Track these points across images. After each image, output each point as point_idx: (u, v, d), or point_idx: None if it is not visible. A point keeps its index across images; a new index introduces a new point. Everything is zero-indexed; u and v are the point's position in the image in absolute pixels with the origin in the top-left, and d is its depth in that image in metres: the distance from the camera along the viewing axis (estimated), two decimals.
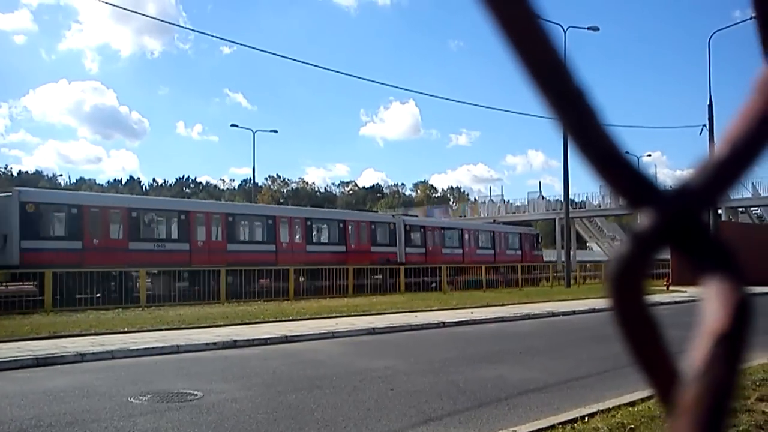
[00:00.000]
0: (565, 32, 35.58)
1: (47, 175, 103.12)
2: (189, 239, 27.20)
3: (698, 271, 0.39)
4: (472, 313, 19.05)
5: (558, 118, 0.38)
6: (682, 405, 0.37)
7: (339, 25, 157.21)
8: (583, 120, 0.38)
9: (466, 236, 40.31)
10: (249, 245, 29.47)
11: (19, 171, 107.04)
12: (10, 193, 23.41)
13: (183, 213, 27.58)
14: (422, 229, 37.97)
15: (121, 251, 24.92)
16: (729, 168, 0.39)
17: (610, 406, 6.89)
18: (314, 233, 32.29)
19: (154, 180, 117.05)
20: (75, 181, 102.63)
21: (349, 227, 33.48)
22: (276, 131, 70.94)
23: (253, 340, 12.92)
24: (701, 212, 0.40)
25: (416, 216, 45.80)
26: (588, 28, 38.76)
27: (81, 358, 10.72)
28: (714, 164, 0.40)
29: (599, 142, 0.39)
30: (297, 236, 31.23)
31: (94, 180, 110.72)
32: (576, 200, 47.61)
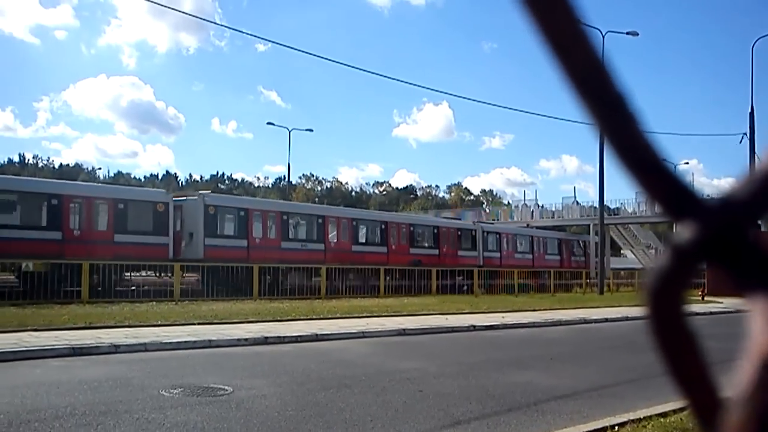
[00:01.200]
0: (603, 37, 35.17)
1: (87, 169, 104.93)
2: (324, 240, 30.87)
3: (742, 287, 0.38)
4: (503, 317, 18.93)
5: (597, 124, 0.37)
6: (726, 428, 0.36)
7: (372, 25, 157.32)
8: (623, 126, 0.37)
9: (536, 242, 43.60)
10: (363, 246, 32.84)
11: (60, 164, 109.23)
12: (196, 197, 27.31)
13: (320, 217, 31.24)
14: (498, 235, 41.24)
15: (275, 249, 28.30)
16: None
17: (641, 416, 6.78)
18: (416, 239, 36.10)
19: (190, 176, 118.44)
20: (113, 175, 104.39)
21: (442, 233, 37.38)
22: (312, 130, 71.43)
23: (284, 337, 13.00)
24: (746, 226, 0.38)
25: (458, 219, 46.65)
26: (627, 33, 38.28)
27: (115, 349, 10.89)
28: (760, 176, 0.38)
29: (639, 150, 0.38)
30: (403, 240, 35.00)
31: (131, 174, 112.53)
32: (611, 206, 46.93)
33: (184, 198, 27.96)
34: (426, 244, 36.28)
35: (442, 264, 34.74)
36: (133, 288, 23.60)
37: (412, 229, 35.86)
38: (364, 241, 32.69)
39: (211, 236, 26.30)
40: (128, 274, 24.55)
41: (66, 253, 22.19)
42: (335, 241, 31.05)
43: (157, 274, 25.83)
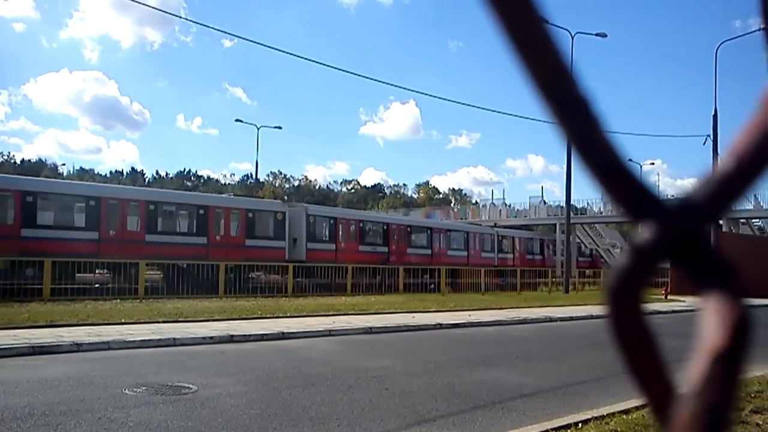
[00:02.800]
0: (573, 38, 35.57)
1: (50, 164, 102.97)
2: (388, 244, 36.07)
3: (698, 285, 0.39)
4: (469, 315, 19.05)
5: (560, 126, 0.38)
6: (678, 422, 0.37)
7: (338, 23, 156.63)
8: (585, 129, 0.38)
9: (547, 245, 48.71)
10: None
11: (22, 159, 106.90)
12: (297, 207, 32.81)
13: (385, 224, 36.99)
14: (512, 239, 46.44)
15: (354, 252, 32.99)
16: (733, 183, 0.39)
17: (605, 413, 6.87)
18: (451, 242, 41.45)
19: (157, 172, 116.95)
20: (77, 170, 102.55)
21: (472, 238, 42.96)
22: (280, 128, 70.70)
23: (250, 335, 12.93)
24: (703, 226, 0.39)
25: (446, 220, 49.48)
26: (596, 35, 38.75)
27: (77, 347, 10.72)
28: (718, 178, 0.39)
29: (602, 152, 0.38)
30: (441, 243, 40.23)
31: (95, 170, 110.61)
32: (577, 206, 47.57)
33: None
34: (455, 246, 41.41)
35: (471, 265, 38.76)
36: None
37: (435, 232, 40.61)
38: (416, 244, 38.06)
39: (311, 241, 31.72)
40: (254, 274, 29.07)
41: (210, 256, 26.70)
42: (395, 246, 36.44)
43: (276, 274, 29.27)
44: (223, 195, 40.19)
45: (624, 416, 6.73)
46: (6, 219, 23.21)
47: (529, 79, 0.36)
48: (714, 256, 0.39)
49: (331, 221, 33.53)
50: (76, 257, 22.69)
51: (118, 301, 19.73)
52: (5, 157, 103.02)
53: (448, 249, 40.38)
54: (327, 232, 33.04)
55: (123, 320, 14.25)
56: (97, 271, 25.32)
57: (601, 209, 49.04)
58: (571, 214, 39.10)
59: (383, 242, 35.85)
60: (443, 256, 39.18)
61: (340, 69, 35.34)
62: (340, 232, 33.35)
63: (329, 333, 14.09)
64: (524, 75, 0.36)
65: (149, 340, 11.64)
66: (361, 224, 35.48)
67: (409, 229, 38.01)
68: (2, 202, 23.26)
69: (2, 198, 23.30)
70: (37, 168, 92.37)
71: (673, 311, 22.01)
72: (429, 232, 39.90)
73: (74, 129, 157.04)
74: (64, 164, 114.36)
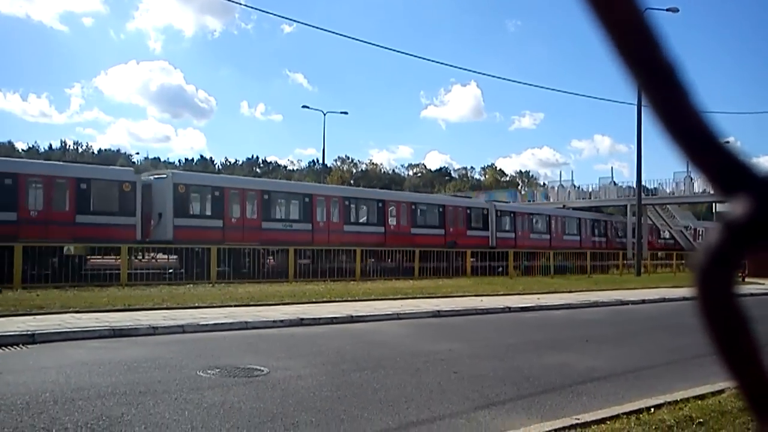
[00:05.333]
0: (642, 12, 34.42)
1: (123, 153, 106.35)
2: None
3: None
4: (538, 299, 18.83)
5: (647, 95, 0.35)
6: None
7: (395, 5, 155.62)
8: (674, 98, 0.35)
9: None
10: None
11: (99, 149, 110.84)
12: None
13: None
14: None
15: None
16: None
17: (678, 399, 6.69)
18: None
19: (226, 159, 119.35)
20: (152, 159, 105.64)
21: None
22: (346, 113, 71.72)
23: (320, 318, 13.10)
24: None
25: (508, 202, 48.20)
26: (667, 10, 37.40)
27: (153, 331, 11.08)
28: None
29: (691, 122, 0.36)
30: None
31: (167, 159, 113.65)
32: (648, 187, 46.17)
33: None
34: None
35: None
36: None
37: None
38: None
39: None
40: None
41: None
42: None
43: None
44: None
45: (699, 402, 6.54)
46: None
47: (613, 49, 0.34)
48: None
49: (439, 209, 34.92)
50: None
51: (191, 285, 20.29)
52: (83, 148, 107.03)
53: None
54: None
55: (196, 304, 14.64)
56: (169, 257, 26.57)
57: (673, 190, 47.55)
58: (642, 195, 38.03)
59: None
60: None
61: (398, 51, 36.24)
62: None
63: (397, 316, 14.15)
64: (608, 44, 0.34)
65: (222, 323, 11.93)
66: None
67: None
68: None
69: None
70: (113, 157, 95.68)
71: (752, 294, 21.22)
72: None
73: (143, 118, 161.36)
74: (137, 153, 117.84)
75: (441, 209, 35.07)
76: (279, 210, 29.24)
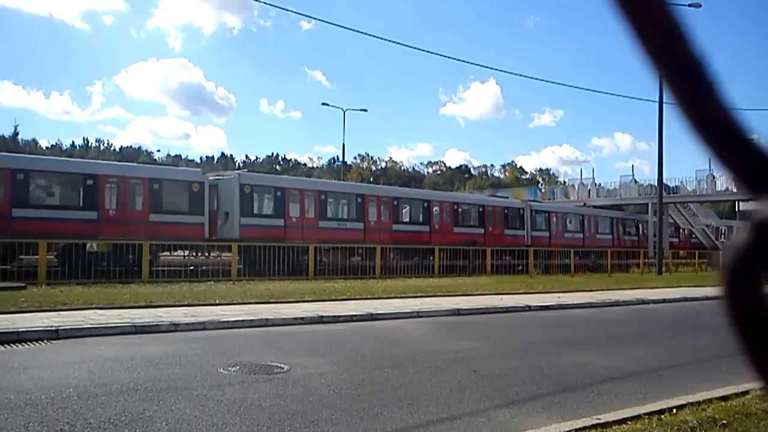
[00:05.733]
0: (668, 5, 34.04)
1: (144, 151, 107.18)
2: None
3: None
4: (559, 297, 18.73)
5: (671, 91, 0.35)
6: None
7: (412, 2, 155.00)
8: (699, 93, 0.34)
9: (636, 225, 48.85)
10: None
11: (121, 146, 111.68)
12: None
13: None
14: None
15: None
16: None
17: (701, 399, 6.62)
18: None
19: (247, 157, 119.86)
20: (173, 157, 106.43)
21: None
22: (366, 110, 71.48)
23: (339, 316, 13.12)
24: None
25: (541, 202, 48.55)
26: (689, 5, 36.99)
27: (175, 327, 11.16)
28: None
29: (718, 118, 0.35)
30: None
31: (187, 156, 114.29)
32: (670, 185, 45.63)
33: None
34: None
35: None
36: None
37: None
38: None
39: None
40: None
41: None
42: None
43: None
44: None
45: (722, 403, 6.47)
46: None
47: (638, 42, 0.33)
48: None
49: (479, 209, 36.26)
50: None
51: (212, 282, 20.42)
52: (105, 145, 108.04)
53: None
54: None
55: (217, 301, 14.73)
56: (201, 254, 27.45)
57: (695, 188, 47.00)
58: (664, 193, 37.64)
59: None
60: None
61: (417, 48, 36.42)
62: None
63: (417, 314, 14.14)
64: (634, 39, 0.33)
65: (242, 320, 11.99)
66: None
67: (506, 211, 38.30)
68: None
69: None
70: (135, 154, 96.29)
71: None
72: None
73: (163, 116, 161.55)
74: (159, 150, 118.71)
75: (481, 209, 36.34)
76: (333, 209, 30.20)
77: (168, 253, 26.06)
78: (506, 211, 37.93)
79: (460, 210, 35.43)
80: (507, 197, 47.29)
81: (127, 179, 24.25)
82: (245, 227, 26.09)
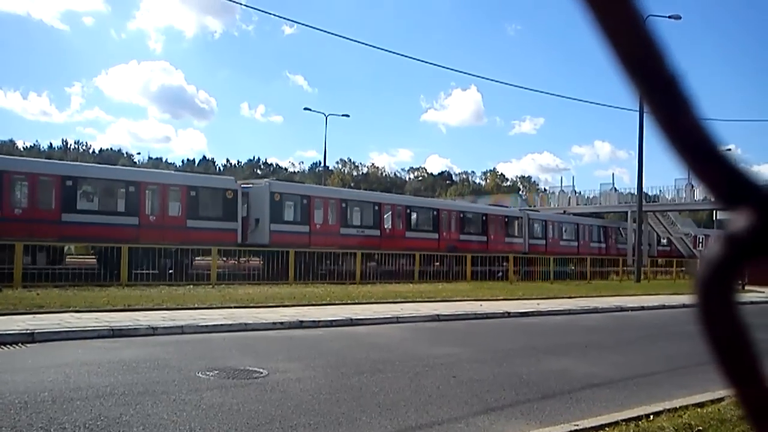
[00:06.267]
0: (644, 21, 34.42)
1: (124, 153, 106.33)
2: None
3: None
4: (538, 304, 18.82)
5: (648, 105, 0.35)
6: None
7: (395, 8, 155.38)
8: (675, 108, 0.35)
9: (613, 233, 49.68)
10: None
11: (100, 149, 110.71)
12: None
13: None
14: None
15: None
16: None
17: (678, 406, 6.69)
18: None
19: (227, 161, 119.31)
20: (154, 159, 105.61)
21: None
22: (348, 116, 71.51)
23: (319, 321, 13.09)
24: None
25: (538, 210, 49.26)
26: (669, 17, 37.38)
27: (153, 331, 11.07)
28: None
29: (692, 133, 0.36)
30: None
31: (166, 159, 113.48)
32: (649, 193, 46.05)
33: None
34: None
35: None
36: None
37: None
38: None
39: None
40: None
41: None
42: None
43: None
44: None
45: (698, 409, 6.53)
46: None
47: (614, 55, 0.34)
48: None
49: (483, 217, 38.14)
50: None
51: (191, 286, 20.29)
52: (84, 147, 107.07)
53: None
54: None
55: (196, 305, 14.64)
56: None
57: (674, 197, 47.47)
58: (643, 202, 38.00)
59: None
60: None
61: (399, 54, 37.07)
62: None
63: (397, 320, 14.15)
64: (609, 54, 0.34)
65: (221, 324, 11.93)
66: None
67: (506, 220, 39.81)
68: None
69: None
70: (114, 157, 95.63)
71: (752, 302, 21.19)
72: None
73: (144, 118, 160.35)
74: (139, 153, 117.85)
75: (484, 218, 38.01)
76: (353, 217, 31.27)
77: (201, 258, 26.49)
78: (506, 219, 39.65)
79: (465, 219, 37.03)
80: (507, 206, 48.06)
81: (166, 186, 25.30)
82: (275, 233, 27.21)
